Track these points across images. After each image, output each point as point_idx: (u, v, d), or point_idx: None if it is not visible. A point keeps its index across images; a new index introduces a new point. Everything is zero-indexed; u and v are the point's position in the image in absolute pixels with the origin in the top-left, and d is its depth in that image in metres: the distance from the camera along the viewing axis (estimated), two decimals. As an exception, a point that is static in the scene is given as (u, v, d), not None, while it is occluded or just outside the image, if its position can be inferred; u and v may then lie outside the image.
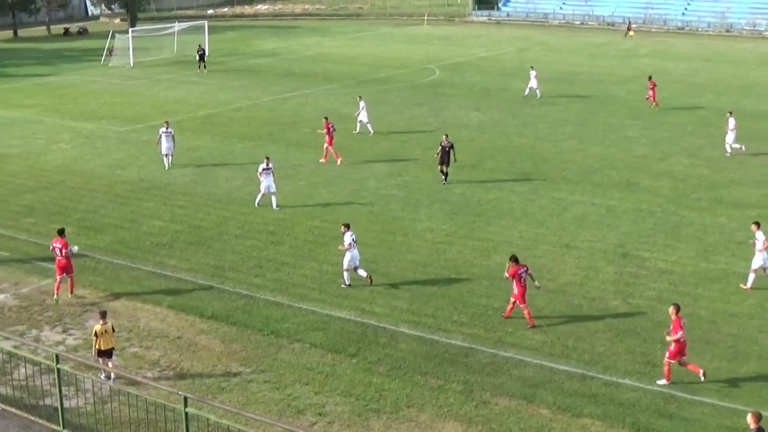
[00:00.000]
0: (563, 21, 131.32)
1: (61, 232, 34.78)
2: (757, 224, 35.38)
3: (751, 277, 34.89)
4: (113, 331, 27.78)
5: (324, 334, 30.91)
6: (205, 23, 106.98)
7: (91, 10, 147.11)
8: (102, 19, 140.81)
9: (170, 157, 52.45)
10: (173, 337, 30.90)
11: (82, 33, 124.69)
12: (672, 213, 43.63)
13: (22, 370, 25.47)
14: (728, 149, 54.69)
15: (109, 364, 27.42)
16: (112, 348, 27.73)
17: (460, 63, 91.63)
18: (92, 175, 51.15)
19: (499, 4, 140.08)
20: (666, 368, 27.75)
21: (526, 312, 31.68)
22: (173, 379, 27.95)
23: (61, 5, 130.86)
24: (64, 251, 33.76)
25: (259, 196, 45.20)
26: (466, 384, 27.62)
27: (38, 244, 40.07)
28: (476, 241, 39.94)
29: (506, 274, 32.16)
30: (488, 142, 57.70)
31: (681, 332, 27.40)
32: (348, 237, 35.01)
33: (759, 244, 34.71)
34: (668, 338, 27.64)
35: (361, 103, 60.91)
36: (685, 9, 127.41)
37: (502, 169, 51.58)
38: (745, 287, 34.83)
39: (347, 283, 35.37)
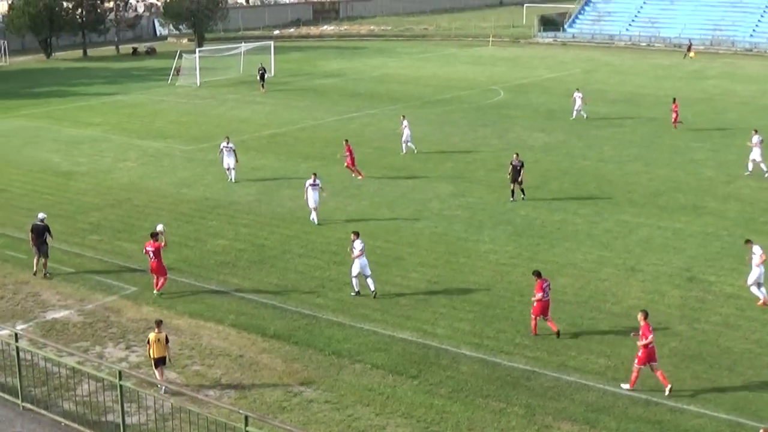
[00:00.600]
0: (629, 42, 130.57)
1: (153, 236, 36.22)
2: (750, 241, 36.54)
3: (758, 291, 35.30)
4: (167, 341, 28.24)
5: (385, 355, 30.82)
6: (272, 44, 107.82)
7: (160, 30, 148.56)
8: (170, 39, 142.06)
9: (233, 171, 53.13)
10: (235, 356, 30.97)
11: (150, 53, 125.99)
12: (739, 237, 42.93)
13: (86, 386, 25.67)
14: (750, 167, 54.95)
15: (164, 371, 28.40)
16: (165, 356, 28.21)
17: (525, 84, 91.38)
18: (158, 193, 51.55)
19: (565, 26, 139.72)
20: (634, 374, 28.45)
21: (534, 323, 32.70)
22: (234, 398, 27.99)
23: (130, 25, 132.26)
24: (154, 253, 35.87)
25: (313, 214, 45.82)
26: (528, 408, 27.38)
27: (103, 261, 40.46)
28: (540, 263, 39.58)
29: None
30: (553, 163, 57.40)
31: (651, 336, 28.15)
32: (358, 244, 35.86)
33: (756, 258, 35.25)
34: (638, 343, 28.35)
35: (404, 122, 60.98)
36: (753, 31, 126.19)
37: (567, 191, 51.27)
38: (762, 304, 35.02)
39: (356, 290, 36.01)
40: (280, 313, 34.63)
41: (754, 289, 35.29)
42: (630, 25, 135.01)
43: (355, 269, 36.02)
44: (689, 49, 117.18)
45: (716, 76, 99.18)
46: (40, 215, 39.84)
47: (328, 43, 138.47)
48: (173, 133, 68.83)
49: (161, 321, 28.87)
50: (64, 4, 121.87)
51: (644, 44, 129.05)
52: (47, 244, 38.92)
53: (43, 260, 38.86)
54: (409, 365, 30.19)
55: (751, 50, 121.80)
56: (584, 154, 60.26)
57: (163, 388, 27.01)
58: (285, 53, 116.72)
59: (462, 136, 66.47)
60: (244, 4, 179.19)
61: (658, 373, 28.39)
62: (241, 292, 36.71)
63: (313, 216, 45.90)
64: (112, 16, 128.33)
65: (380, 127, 69.34)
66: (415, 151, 60.46)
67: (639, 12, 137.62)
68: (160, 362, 28.17)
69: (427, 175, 54.77)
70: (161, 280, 36.19)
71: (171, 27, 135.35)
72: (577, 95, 73.29)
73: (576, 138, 65.04)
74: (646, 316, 28.63)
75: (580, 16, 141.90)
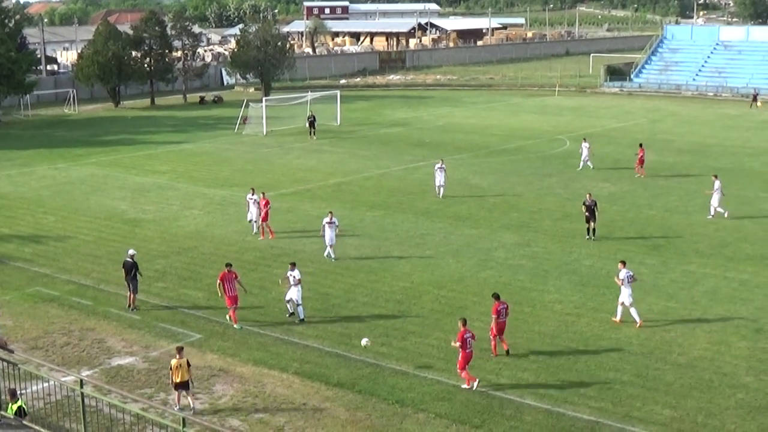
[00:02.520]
0: (696, 92, 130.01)
1: (228, 265, 38.81)
2: (623, 262, 39.20)
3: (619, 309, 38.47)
4: (188, 365, 30.29)
5: (449, 405, 30.71)
6: (338, 93, 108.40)
7: (227, 79, 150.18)
8: (237, 88, 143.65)
9: (255, 224, 53.44)
10: (299, 404, 31.02)
11: (217, 101, 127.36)
12: (808, 288, 42.61)
13: (150, 433, 25.79)
14: (711, 211, 56.41)
15: (189, 398, 30.68)
16: (188, 380, 30.35)
17: (591, 134, 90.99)
18: (223, 241, 51.91)
19: (632, 75, 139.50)
20: (463, 375, 32.26)
21: (493, 344, 35.33)
22: (298, 446, 28.00)
23: (197, 75, 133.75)
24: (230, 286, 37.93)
25: (329, 249, 48.23)
26: (593, 459, 27.15)
27: (169, 308, 40.78)
28: (605, 313, 39.38)
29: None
30: (618, 213, 57.09)
31: (460, 341, 31.93)
32: (297, 274, 39.17)
33: (622, 274, 38.49)
34: (452, 344, 32.59)
35: (442, 166, 63.02)
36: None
37: (632, 241, 50.94)
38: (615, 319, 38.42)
39: (290, 311, 39.70)
40: (343, 361, 34.67)
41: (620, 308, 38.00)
42: (697, 74, 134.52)
43: (289, 295, 39.32)
44: (755, 98, 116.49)
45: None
46: (130, 251, 41.19)
47: (393, 93, 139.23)
48: (239, 181, 69.34)
49: (182, 347, 31.12)
50: (133, 53, 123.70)
51: (711, 94, 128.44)
52: (137, 280, 40.46)
53: (132, 296, 40.34)
54: (472, 415, 30.07)
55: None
56: (650, 203, 59.89)
57: (192, 409, 30.15)
58: (351, 102, 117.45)
59: (527, 185, 66.37)
60: (311, 53, 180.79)
61: (465, 374, 32.23)
62: (306, 340, 36.81)
63: (329, 251, 48.23)
64: (179, 65, 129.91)
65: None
66: (440, 197, 62.27)
67: (706, 62, 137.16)
68: (181, 386, 30.40)
69: (491, 225, 54.73)
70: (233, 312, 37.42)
71: (238, 76, 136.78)
72: (584, 145, 73.23)
73: (642, 188, 64.72)
74: (464, 323, 32.49)
75: (646, 66, 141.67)
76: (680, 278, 44.00)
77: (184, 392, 30.64)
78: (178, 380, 30.16)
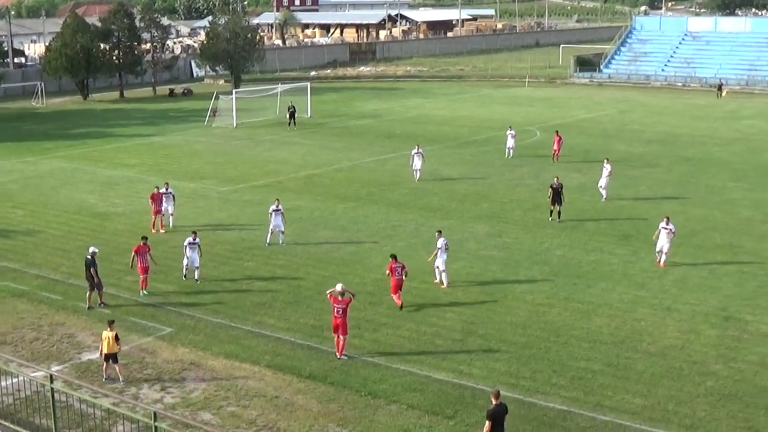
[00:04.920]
0: (665, 83, 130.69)
1: (144, 238, 41.70)
2: (439, 232, 43.15)
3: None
4: (117, 339, 31.77)
5: (421, 396, 30.74)
6: (308, 84, 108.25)
7: (196, 71, 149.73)
8: (206, 81, 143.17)
9: (171, 217, 53.45)
10: (271, 397, 30.98)
11: (187, 94, 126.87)
12: (776, 276, 42.90)
13: (120, 428, 25.76)
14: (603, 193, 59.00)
15: (116, 368, 32.07)
16: (116, 353, 31.91)
17: (561, 125, 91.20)
18: (194, 234, 51.70)
19: (601, 66, 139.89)
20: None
21: (397, 297, 39.28)
22: (270, 439, 27.97)
23: (166, 67, 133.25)
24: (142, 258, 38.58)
25: (269, 235, 49.26)
26: (565, 448, 27.25)
27: (139, 302, 40.64)
28: (576, 303, 39.55)
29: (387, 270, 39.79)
30: (588, 203, 57.26)
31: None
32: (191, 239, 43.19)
33: (440, 243, 41.85)
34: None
35: (419, 151, 65.37)
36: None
37: (603, 231, 51.12)
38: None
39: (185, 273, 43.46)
40: (315, 353, 34.64)
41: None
42: (666, 65, 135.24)
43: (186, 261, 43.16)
44: (720, 88, 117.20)
45: (752, 116, 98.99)
46: (92, 249, 40.45)
47: (364, 84, 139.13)
48: (209, 174, 69.19)
49: (113, 321, 32.58)
50: (101, 45, 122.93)
51: (680, 84, 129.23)
52: (94, 276, 39.84)
53: (98, 292, 39.92)
54: (445, 406, 30.11)
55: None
56: (620, 193, 60.07)
57: (110, 379, 31.78)
58: (321, 94, 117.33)
59: (498, 176, 66.48)
60: (281, 45, 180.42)
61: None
62: (277, 333, 36.76)
63: (279, 239, 49.38)
64: (148, 57, 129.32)
65: (416, 168, 69.49)
66: (417, 180, 64.47)
67: (675, 52, 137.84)
68: (110, 357, 31.89)
69: (463, 216, 54.80)
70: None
71: (208, 68, 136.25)
72: (509, 133, 74.28)
73: (612, 178, 64.85)
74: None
75: (616, 57, 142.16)
76: (650, 267, 44.18)
77: (112, 363, 32.02)
78: (106, 351, 31.76)
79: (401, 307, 38.75)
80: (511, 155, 73.29)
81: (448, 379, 32.18)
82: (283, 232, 49.14)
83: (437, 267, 42.18)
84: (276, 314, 38.91)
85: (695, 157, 73.25)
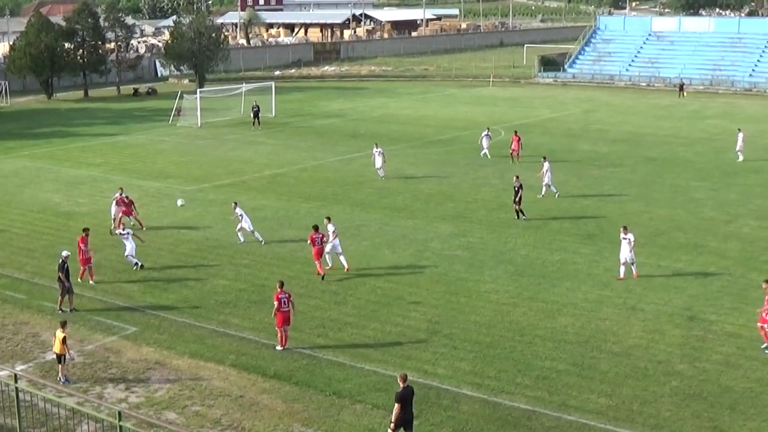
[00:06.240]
0: (629, 83, 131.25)
1: (85, 230, 42.89)
2: (328, 218, 45.60)
3: None
4: (64, 341, 31.78)
5: (386, 395, 30.70)
6: (272, 84, 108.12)
7: (161, 71, 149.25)
8: (171, 80, 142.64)
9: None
10: (235, 396, 30.91)
11: (151, 93, 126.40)
12: (740, 276, 43.06)
13: (85, 427, 25.64)
14: (543, 191, 59.64)
15: (59, 367, 32.20)
16: (63, 355, 31.93)
17: (526, 124, 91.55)
18: (158, 234, 51.50)
19: (565, 66, 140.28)
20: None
21: (319, 265, 43.25)
22: (235, 439, 27.91)
23: (131, 66, 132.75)
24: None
25: (242, 234, 49.94)
26: (529, 447, 27.30)
27: (103, 301, 40.51)
28: (541, 302, 39.66)
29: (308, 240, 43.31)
30: (553, 203, 57.42)
31: (276, 304, 34.52)
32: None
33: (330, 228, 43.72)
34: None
35: (378, 150, 66.20)
36: (753, 71, 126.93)
37: (567, 231, 51.29)
38: None
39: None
40: (280, 353, 34.59)
41: None
42: (630, 65, 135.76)
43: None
44: (681, 88, 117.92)
45: (716, 116, 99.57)
46: (64, 253, 40.32)
47: (328, 84, 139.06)
48: (174, 173, 68.98)
49: (66, 322, 32.91)
50: (66, 45, 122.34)
51: (644, 84, 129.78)
52: (70, 281, 39.51)
53: (69, 296, 39.53)
54: (409, 405, 30.10)
55: (750, 90, 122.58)
56: (584, 193, 60.30)
57: (62, 381, 31.71)
58: (286, 94, 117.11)
59: (462, 176, 66.57)
60: (246, 45, 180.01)
61: (281, 335, 35.08)
62: (242, 332, 36.69)
63: (258, 236, 49.94)
64: (113, 57, 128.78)
65: (381, 167, 69.54)
66: (382, 178, 65.17)
67: (639, 52, 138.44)
68: (60, 359, 32.09)
69: (427, 215, 54.85)
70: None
71: (172, 68, 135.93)
72: (484, 134, 74.69)
73: (576, 178, 65.16)
74: (281, 285, 35.20)
75: (580, 57, 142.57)
76: (615, 267, 44.21)
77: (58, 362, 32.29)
78: (57, 351, 32.11)
79: (323, 278, 42.88)
80: (488, 156, 73.06)
81: (413, 379, 32.01)
82: (253, 231, 49.45)
83: (328, 253, 44.34)
84: (241, 313, 38.84)
85: (660, 157, 73.59)
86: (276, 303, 34.73)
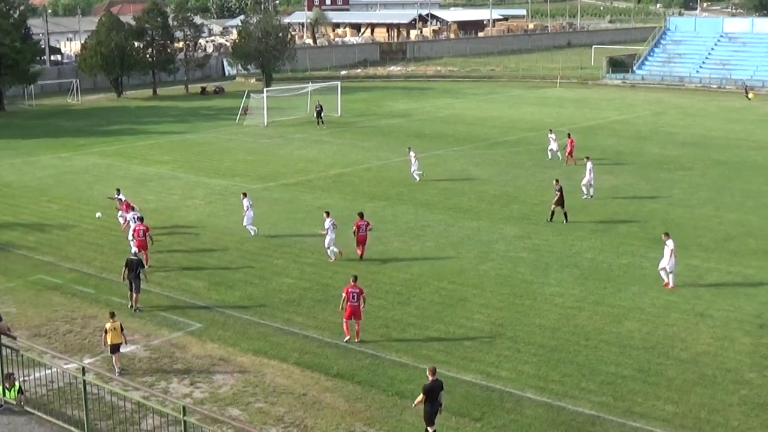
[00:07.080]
0: (699, 84, 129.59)
1: (355, 278, 36.53)
2: (327, 213, 47.14)
3: None
4: (122, 329, 32.64)
5: (449, 397, 30.50)
6: (338, 84, 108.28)
7: (228, 70, 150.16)
8: (238, 79, 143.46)
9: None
10: (298, 394, 30.95)
11: (219, 92, 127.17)
12: (811, 283, 42.46)
13: (150, 421, 25.78)
14: (585, 191, 59.19)
15: (114, 357, 32.78)
16: (120, 343, 32.70)
17: (593, 126, 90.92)
18: (224, 231, 51.79)
19: (634, 67, 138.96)
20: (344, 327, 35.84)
21: (360, 251, 46.24)
22: (297, 437, 27.92)
23: (199, 65, 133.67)
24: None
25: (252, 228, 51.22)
26: (594, 453, 27.05)
27: (170, 297, 40.75)
28: (607, 307, 39.28)
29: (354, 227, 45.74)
30: (620, 206, 56.90)
31: (344, 296, 35.12)
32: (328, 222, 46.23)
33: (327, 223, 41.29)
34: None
35: (411, 154, 66.24)
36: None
37: (635, 235, 50.77)
38: None
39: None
40: (343, 352, 34.59)
41: None
42: (701, 67, 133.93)
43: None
44: (747, 91, 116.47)
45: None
46: (134, 249, 40.53)
47: (394, 84, 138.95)
48: (241, 171, 69.29)
49: (114, 312, 33.28)
50: (135, 44, 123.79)
51: (715, 86, 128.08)
52: (140, 279, 39.44)
53: (135, 295, 39.44)
54: (472, 408, 29.98)
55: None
56: (653, 197, 59.70)
57: (118, 371, 32.26)
58: (352, 93, 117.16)
59: (528, 177, 66.21)
60: (312, 44, 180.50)
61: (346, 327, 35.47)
62: (306, 331, 36.74)
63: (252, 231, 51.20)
64: (181, 55, 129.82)
65: (446, 168, 69.32)
66: (417, 181, 64.87)
67: (710, 54, 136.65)
68: (115, 349, 32.62)
69: (492, 217, 54.59)
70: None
71: (239, 67, 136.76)
72: (551, 136, 73.91)
73: (644, 181, 64.52)
74: (354, 279, 35.59)
75: (649, 58, 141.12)
76: (683, 272, 43.69)
77: (114, 353, 32.81)
78: (112, 342, 32.53)
79: (361, 257, 46.05)
80: (560, 158, 72.28)
81: (476, 381, 32.04)
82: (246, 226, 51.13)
83: (328, 247, 46.46)
84: (304, 312, 38.90)
85: (730, 161, 72.69)
86: (344, 295, 35.08)
